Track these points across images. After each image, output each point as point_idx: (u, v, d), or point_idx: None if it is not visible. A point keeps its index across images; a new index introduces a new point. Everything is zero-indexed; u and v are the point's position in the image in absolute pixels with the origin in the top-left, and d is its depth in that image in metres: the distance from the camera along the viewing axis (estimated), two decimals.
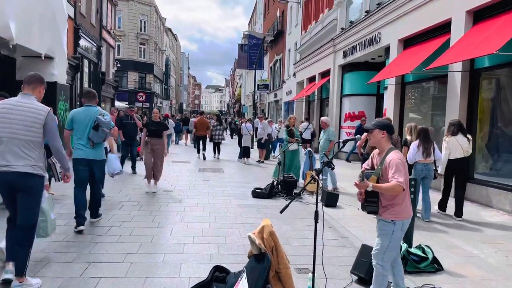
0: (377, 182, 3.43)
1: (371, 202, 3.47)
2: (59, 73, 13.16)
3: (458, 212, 6.98)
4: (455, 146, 6.87)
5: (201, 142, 15.71)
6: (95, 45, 21.79)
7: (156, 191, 8.51)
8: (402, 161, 3.38)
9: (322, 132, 9.71)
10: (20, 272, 3.61)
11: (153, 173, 8.61)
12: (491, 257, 5.04)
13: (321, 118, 10.04)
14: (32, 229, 3.79)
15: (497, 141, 8.43)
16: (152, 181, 8.66)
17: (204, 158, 15.26)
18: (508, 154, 8.12)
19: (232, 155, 17.26)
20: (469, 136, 7.08)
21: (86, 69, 20.66)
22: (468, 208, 7.83)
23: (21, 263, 3.63)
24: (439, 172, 7.04)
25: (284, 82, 30.96)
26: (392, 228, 3.43)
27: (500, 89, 8.47)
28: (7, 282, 3.61)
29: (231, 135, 32.94)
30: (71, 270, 4.19)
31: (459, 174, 7.11)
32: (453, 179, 7.24)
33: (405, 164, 3.42)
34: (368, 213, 3.61)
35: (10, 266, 3.63)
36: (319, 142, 9.98)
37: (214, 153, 15.86)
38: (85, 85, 20.45)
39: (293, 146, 10.05)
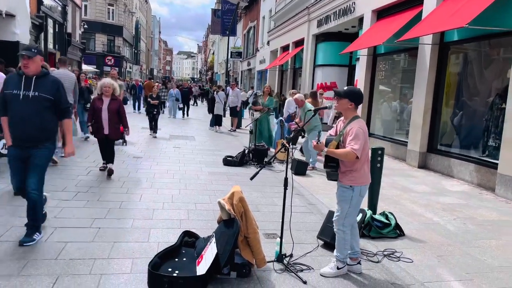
0: (337, 147, 3.53)
1: (330, 166, 3.60)
2: (21, 32, 12.50)
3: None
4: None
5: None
6: (60, 4, 20.65)
7: None
8: (363, 130, 3.45)
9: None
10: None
11: None
12: (450, 223, 5.30)
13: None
14: None
15: (461, 114, 8.70)
16: None
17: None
18: (470, 127, 8.42)
19: (204, 123, 17.17)
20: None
21: (50, 29, 19.62)
22: (431, 178, 8.17)
23: None
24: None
25: (258, 51, 30.58)
26: (351, 193, 3.55)
27: (467, 63, 8.68)
28: None
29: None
30: None
31: None
32: None
33: (365, 133, 3.48)
34: (329, 179, 3.71)
35: None
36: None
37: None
38: (50, 46, 19.50)
39: (257, 115, 10.29)
